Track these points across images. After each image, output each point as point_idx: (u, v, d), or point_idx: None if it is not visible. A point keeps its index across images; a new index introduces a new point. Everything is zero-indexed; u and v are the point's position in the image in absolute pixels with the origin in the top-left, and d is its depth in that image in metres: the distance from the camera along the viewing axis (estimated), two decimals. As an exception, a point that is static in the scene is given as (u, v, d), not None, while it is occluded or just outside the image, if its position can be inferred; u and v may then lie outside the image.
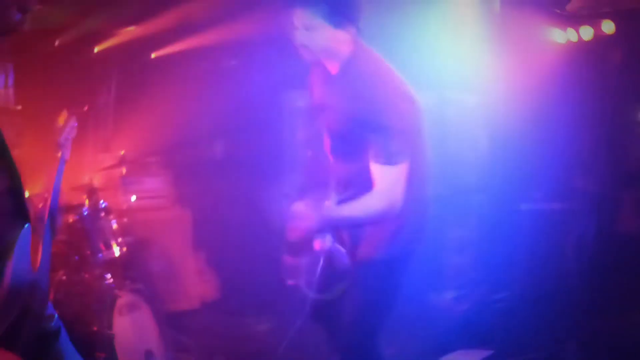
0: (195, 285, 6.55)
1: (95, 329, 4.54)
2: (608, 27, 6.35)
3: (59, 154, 3.49)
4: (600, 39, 6.39)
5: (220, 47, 6.94)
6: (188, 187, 6.75)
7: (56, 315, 2.67)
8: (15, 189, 2.11)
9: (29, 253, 2.19)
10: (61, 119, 3.68)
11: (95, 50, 6.74)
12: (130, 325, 4.78)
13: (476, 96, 6.37)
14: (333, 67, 3.61)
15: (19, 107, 5.95)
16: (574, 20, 6.43)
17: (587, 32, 6.43)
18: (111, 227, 5.09)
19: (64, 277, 4.90)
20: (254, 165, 6.92)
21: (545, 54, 6.43)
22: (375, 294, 3.70)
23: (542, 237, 6.23)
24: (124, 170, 5.72)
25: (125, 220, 5.57)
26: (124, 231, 5.41)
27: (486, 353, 5.17)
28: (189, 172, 6.87)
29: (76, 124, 3.76)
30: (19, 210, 2.13)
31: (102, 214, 5.01)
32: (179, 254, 6.47)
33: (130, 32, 6.71)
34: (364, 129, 3.42)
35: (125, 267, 5.23)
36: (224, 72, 7.15)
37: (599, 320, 5.71)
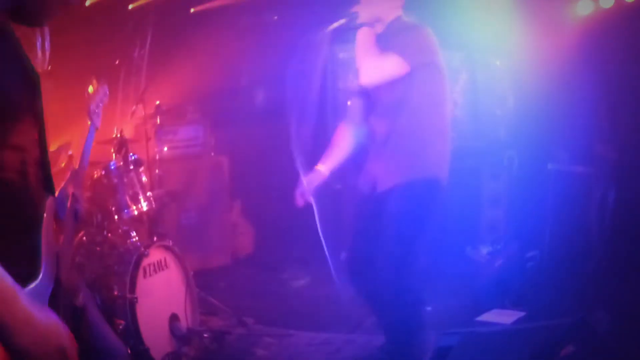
0: (229, 239, 6.40)
1: (116, 293, 4.27)
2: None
3: (89, 123, 3.33)
4: (622, 7, 6.27)
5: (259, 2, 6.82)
6: (224, 135, 6.59)
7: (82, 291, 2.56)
8: (44, 161, 2.04)
9: (52, 226, 2.07)
10: (91, 87, 3.51)
11: (130, 6, 6.50)
12: (156, 287, 4.54)
13: (504, 59, 6.56)
14: (379, 28, 3.96)
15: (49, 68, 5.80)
16: None
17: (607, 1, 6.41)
18: (141, 180, 4.80)
19: (84, 238, 4.66)
20: (292, 115, 6.77)
21: (570, 21, 6.42)
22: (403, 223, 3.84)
23: (567, 197, 6.26)
24: (158, 119, 5.45)
25: (157, 171, 5.36)
26: (155, 184, 5.24)
27: (519, 314, 5.11)
28: (225, 121, 6.70)
29: (107, 92, 3.61)
30: (47, 182, 2.07)
31: (132, 167, 4.72)
32: (212, 205, 6.29)
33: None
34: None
35: (153, 223, 5.02)
36: (263, 27, 7.03)
37: (624, 283, 5.58)
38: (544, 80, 6.28)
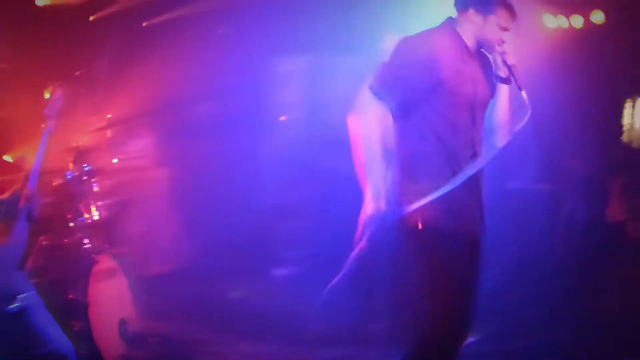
0: (173, 248, 6.51)
1: (71, 296, 4.44)
2: (598, 17, 6.40)
3: (44, 126, 3.45)
4: (591, 27, 6.39)
5: (209, 14, 6.92)
6: (169, 148, 6.74)
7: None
8: None
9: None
10: (47, 92, 3.63)
11: (91, 18, 6.65)
12: (106, 292, 4.69)
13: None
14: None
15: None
16: (565, 6, 6.42)
17: (577, 21, 6.43)
18: (93, 190, 4.99)
19: (44, 243, 4.79)
20: (237, 128, 6.90)
21: (536, 38, 6.22)
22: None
23: (530, 216, 6.11)
24: (109, 132, 5.64)
25: (109, 182, 5.47)
26: (106, 193, 5.33)
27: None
28: (173, 134, 6.85)
29: (62, 97, 3.72)
30: None
31: (85, 177, 4.91)
32: (158, 215, 6.43)
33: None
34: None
35: (105, 231, 5.14)
36: (212, 39, 7.10)
37: (586, 302, 5.66)
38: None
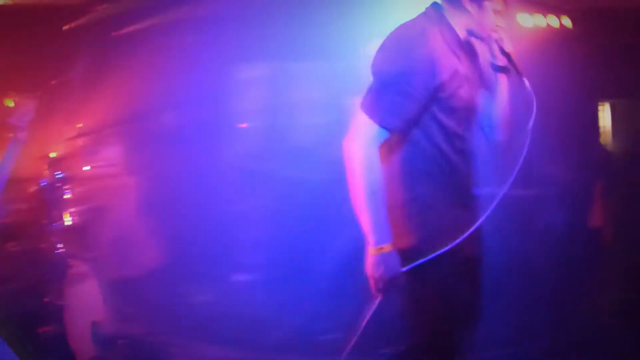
0: (142, 252, 6.58)
1: (46, 300, 4.61)
2: (567, 21, 6.31)
3: (11, 135, 3.55)
4: (566, 29, 6.31)
5: (177, 24, 6.95)
6: (139, 157, 6.81)
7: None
8: None
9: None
10: (10, 101, 3.68)
11: (64, 27, 6.72)
12: (80, 295, 4.87)
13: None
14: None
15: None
16: (542, 7, 6.28)
17: (554, 20, 6.27)
18: (66, 196, 5.20)
19: (13, 249, 4.95)
20: (201, 136, 6.94)
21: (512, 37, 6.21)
22: None
23: (508, 223, 5.73)
24: (82, 141, 5.81)
25: (81, 189, 5.66)
26: (79, 200, 5.53)
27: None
28: (141, 143, 6.92)
29: (31, 107, 3.78)
30: None
31: (59, 184, 5.11)
32: (127, 221, 6.53)
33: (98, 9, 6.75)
34: None
35: (78, 236, 5.31)
36: (179, 48, 7.08)
37: (567, 310, 5.60)
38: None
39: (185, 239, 6.61)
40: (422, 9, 3.18)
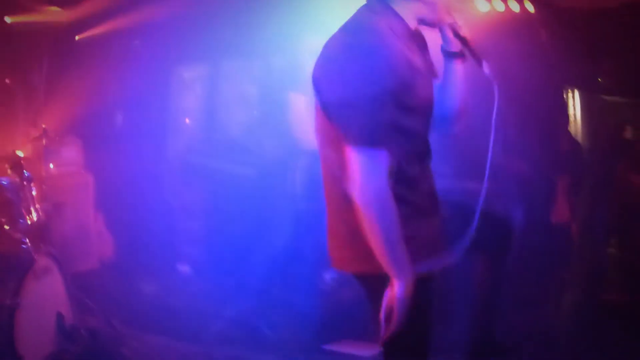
0: (97, 246, 7.06)
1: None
2: (514, 5, 6.00)
3: None
4: (527, 13, 6.03)
5: (129, 28, 7.34)
6: (94, 155, 7.24)
7: None
8: None
9: None
10: None
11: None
12: (45, 288, 4.94)
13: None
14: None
15: None
16: None
17: (514, 5, 5.95)
18: (32, 194, 5.33)
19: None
20: (148, 134, 7.42)
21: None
22: None
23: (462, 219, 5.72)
24: (44, 141, 6.06)
25: (44, 187, 5.91)
26: (42, 197, 5.74)
27: (374, 348, 4.25)
28: (95, 142, 7.32)
29: None
30: None
31: (25, 183, 5.26)
32: (84, 216, 6.95)
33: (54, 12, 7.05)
34: None
35: (41, 232, 5.43)
36: (129, 51, 7.59)
37: (522, 311, 5.48)
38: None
39: (134, 231, 6.98)
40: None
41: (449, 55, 3.00)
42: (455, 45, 2.97)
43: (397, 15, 2.78)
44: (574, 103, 6.87)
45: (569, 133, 6.72)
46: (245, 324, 5.70)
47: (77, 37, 7.44)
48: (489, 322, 3.64)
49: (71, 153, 6.99)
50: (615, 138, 6.62)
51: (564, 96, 6.76)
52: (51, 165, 6.41)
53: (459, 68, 3.01)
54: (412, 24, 2.83)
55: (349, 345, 5.15)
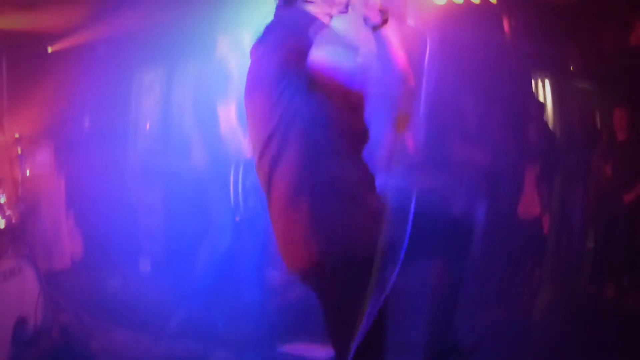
0: (68, 244, 7.30)
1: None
2: None
3: None
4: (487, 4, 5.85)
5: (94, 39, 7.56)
6: (64, 159, 7.47)
7: None
8: None
9: None
10: None
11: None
12: (8, 291, 4.93)
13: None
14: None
15: None
16: None
17: None
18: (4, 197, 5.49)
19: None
20: (112, 137, 7.67)
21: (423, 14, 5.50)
22: None
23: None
24: (19, 149, 6.17)
25: (19, 190, 6.00)
26: (17, 200, 5.85)
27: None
28: (65, 146, 7.53)
29: None
30: None
31: None
32: (57, 216, 7.21)
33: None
34: None
35: (13, 235, 5.52)
36: (93, 58, 7.72)
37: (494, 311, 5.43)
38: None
39: (101, 229, 7.18)
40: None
41: (373, 28, 3.07)
42: (375, 17, 3.04)
43: (309, 15, 2.95)
44: (544, 91, 6.89)
45: (538, 122, 6.62)
46: (201, 320, 5.72)
47: (48, 47, 7.66)
48: (447, 323, 3.59)
49: (44, 156, 7.24)
50: (588, 126, 6.83)
51: (532, 85, 6.74)
52: (27, 172, 6.53)
53: (387, 34, 3.06)
54: (327, 20, 2.99)
55: (303, 347, 5.15)
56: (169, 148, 7.33)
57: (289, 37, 2.82)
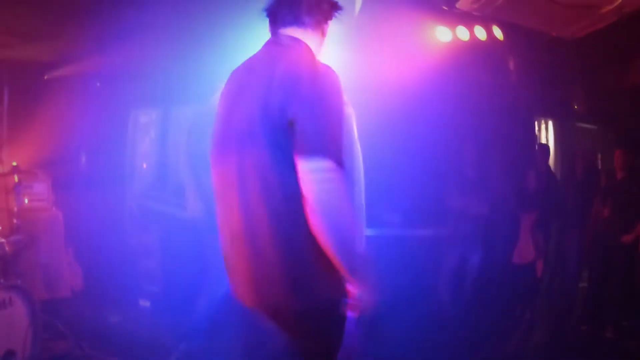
0: (68, 275, 7.05)
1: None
2: (498, 32, 5.76)
3: None
4: (493, 40, 5.75)
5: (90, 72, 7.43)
6: (63, 193, 7.25)
7: None
8: None
9: None
10: None
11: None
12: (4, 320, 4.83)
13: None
14: None
15: None
16: (464, 18, 5.67)
17: (481, 32, 5.71)
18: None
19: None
20: (108, 177, 7.46)
21: (425, 53, 5.56)
22: None
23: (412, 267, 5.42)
24: (16, 177, 6.04)
25: (15, 221, 5.88)
26: (9, 231, 5.75)
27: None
28: (64, 180, 7.30)
29: None
30: None
31: None
32: (55, 248, 6.94)
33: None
34: None
35: (5, 265, 5.34)
36: (91, 93, 7.62)
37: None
38: (388, 121, 5.34)
39: (100, 267, 6.99)
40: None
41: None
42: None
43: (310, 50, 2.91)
44: (547, 134, 6.78)
45: (540, 165, 6.49)
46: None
47: (46, 77, 7.47)
48: None
49: (41, 188, 7.02)
50: (589, 168, 6.57)
51: (536, 126, 6.57)
52: (25, 201, 6.41)
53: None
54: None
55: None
56: (164, 194, 7.20)
57: None
